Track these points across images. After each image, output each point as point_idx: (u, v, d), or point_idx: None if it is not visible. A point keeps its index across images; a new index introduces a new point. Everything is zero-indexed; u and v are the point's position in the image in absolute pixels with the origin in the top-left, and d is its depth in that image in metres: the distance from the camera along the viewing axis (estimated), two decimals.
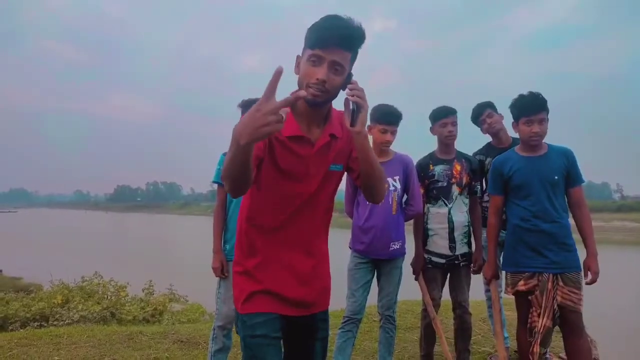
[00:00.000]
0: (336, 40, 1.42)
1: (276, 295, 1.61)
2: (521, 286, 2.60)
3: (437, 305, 3.04)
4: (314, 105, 1.51)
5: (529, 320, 2.62)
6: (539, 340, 2.54)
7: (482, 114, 3.37)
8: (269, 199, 1.59)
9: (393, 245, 2.82)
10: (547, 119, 2.58)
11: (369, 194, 1.66)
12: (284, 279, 1.61)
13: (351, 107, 1.47)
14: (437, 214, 2.99)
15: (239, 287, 1.66)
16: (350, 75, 1.53)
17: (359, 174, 1.63)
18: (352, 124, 1.47)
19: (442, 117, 3.00)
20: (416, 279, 3.05)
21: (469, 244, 3.05)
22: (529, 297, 2.59)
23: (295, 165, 1.56)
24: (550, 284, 2.53)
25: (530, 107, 2.57)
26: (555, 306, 2.53)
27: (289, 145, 1.53)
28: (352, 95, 1.44)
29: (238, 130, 1.19)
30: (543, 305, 2.53)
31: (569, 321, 2.54)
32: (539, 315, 2.55)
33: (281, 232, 1.61)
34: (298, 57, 1.54)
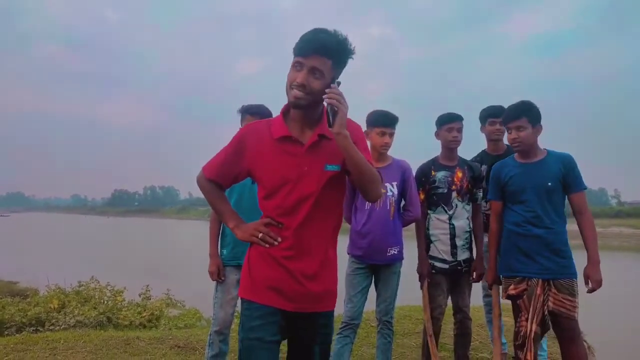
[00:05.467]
0: (314, 48, 1.57)
1: (279, 286, 1.66)
2: (511, 290, 2.63)
3: (441, 313, 3.03)
4: (297, 107, 1.63)
5: (516, 324, 2.63)
6: (532, 348, 2.52)
7: (500, 117, 3.36)
8: (277, 200, 1.68)
9: (391, 251, 2.82)
10: (531, 126, 2.59)
11: (363, 193, 1.74)
12: (290, 272, 1.67)
13: (328, 109, 1.58)
14: (437, 220, 3.00)
15: (246, 268, 1.73)
16: (336, 81, 1.63)
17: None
18: (330, 126, 1.57)
19: (449, 122, 3.01)
20: (422, 285, 3.03)
21: (470, 250, 3.05)
22: (517, 302, 2.61)
23: (288, 165, 1.65)
24: (539, 289, 2.53)
25: (505, 117, 2.72)
26: (546, 312, 2.53)
27: (280, 146, 1.66)
28: (329, 98, 1.54)
29: (242, 230, 1.74)
30: (531, 310, 2.54)
31: (563, 328, 2.54)
32: (526, 320, 2.55)
33: (291, 231, 1.68)
34: None
